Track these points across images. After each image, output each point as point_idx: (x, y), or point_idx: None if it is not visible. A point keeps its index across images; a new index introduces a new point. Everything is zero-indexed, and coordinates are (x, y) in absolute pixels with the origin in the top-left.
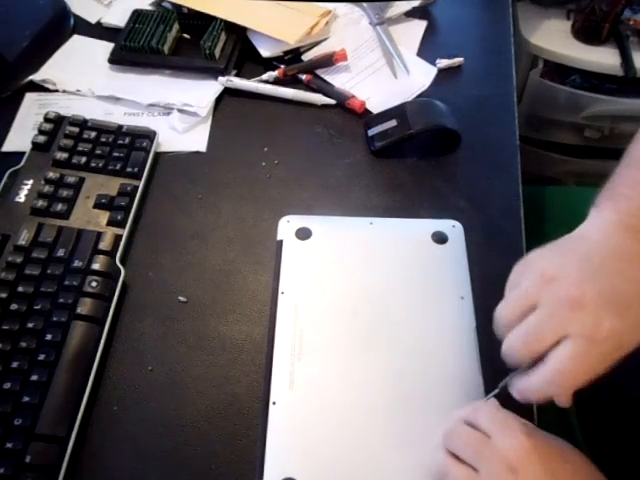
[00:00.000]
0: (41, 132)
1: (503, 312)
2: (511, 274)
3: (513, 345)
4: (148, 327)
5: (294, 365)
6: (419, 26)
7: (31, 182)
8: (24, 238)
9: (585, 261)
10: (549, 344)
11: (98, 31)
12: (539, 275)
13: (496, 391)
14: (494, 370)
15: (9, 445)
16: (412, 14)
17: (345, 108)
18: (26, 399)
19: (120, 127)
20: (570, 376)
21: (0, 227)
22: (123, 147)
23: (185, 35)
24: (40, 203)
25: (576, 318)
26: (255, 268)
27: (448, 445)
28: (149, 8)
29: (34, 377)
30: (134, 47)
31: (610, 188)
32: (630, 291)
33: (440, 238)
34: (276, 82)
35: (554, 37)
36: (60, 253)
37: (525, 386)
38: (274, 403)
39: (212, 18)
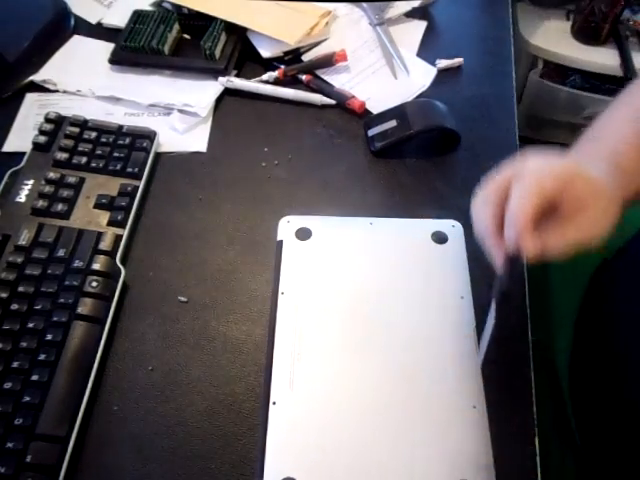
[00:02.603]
0: (42, 132)
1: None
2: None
3: (484, 192)
4: (148, 327)
5: (294, 365)
6: (419, 26)
7: (32, 182)
8: (25, 238)
9: (551, 158)
10: (509, 182)
11: (98, 31)
12: (508, 168)
13: (495, 295)
14: (494, 370)
15: (10, 445)
16: (412, 14)
17: (345, 108)
18: (27, 399)
19: (120, 127)
20: (531, 175)
21: (1, 227)
22: (123, 147)
23: (185, 35)
24: (40, 203)
25: (531, 160)
26: (255, 268)
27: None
28: (149, 8)
29: (35, 377)
30: (134, 47)
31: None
32: (592, 168)
33: (440, 238)
34: (276, 82)
35: (554, 37)
36: (60, 253)
37: (508, 211)
38: (274, 403)
39: (212, 18)
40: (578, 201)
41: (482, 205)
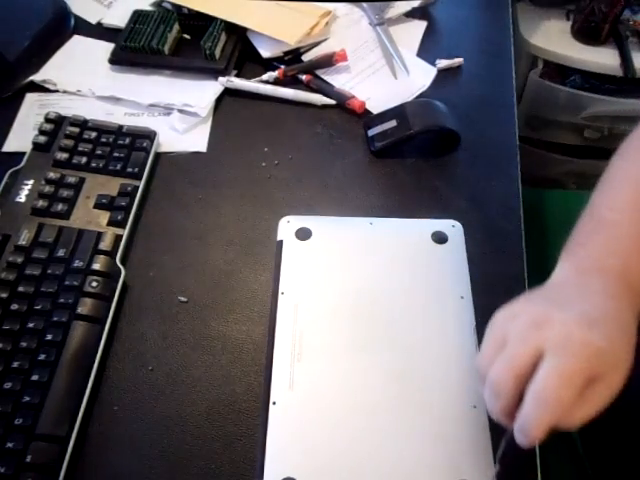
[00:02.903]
0: (42, 132)
1: (479, 361)
2: (485, 334)
3: (493, 379)
4: (148, 327)
5: (294, 365)
6: (419, 26)
7: (31, 182)
8: (25, 238)
9: (546, 298)
10: (527, 366)
11: (98, 31)
12: (504, 316)
13: (501, 450)
14: None
15: (10, 445)
16: (412, 14)
17: (345, 108)
18: (27, 399)
19: (120, 127)
20: (557, 388)
21: (1, 227)
22: (123, 147)
23: (185, 35)
24: (40, 203)
25: (546, 335)
26: (255, 268)
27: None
28: (149, 8)
29: (35, 377)
30: (134, 47)
31: (570, 240)
32: (596, 314)
33: (440, 238)
34: (276, 82)
35: (554, 37)
36: (60, 253)
37: (522, 421)
38: (274, 403)
39: (212, 18)
40: (601, 374)
41: (497, 389)
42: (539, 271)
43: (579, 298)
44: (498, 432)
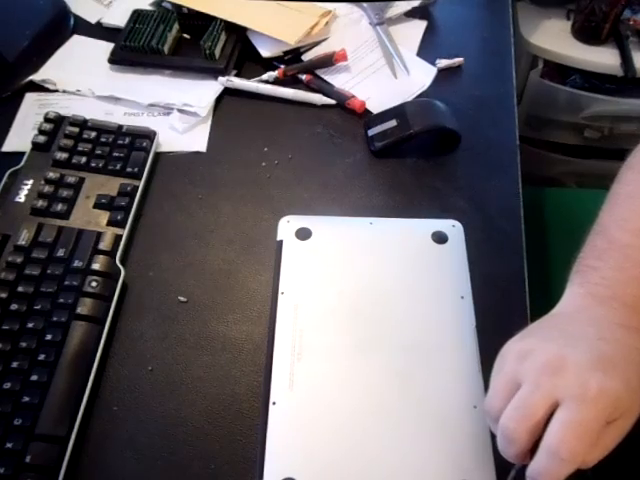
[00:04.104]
0: (41, 132)
1: (490, 402)
2: (494, 365)
3: (507, 426)
4: (148, 327)
5: (294, 365)
6: (419, 26)
7: (31, 182)
8: (24, 238)
9: (560, 332)
10: (542, 416)
11: (98, 31)
12: (514, 355)
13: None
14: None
15: (9, 445)
16: (412, 14)
17: (345, 108)
18: (26, 399)
19: (120, 127)
20: (573, 443)
21: (0, 227)
22: (123, 147)
23: (185, 35)
24: (40, 203)
25: (561, 383)
26: (255, 268)
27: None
28: (149, 8)
29: (34, 377)
30: (134, 47)
31: (580, 260)
32: (611, 351)
33: (440, 238)
34: (276, 82)
35: (554, 37)
36: (60, 253)
37: (536, 472)
38: (274, 403)
39: (212, 18)
40: (616, 418)
41: (511, 437)
42: (539, 271)
43: (593, 332)
44: None
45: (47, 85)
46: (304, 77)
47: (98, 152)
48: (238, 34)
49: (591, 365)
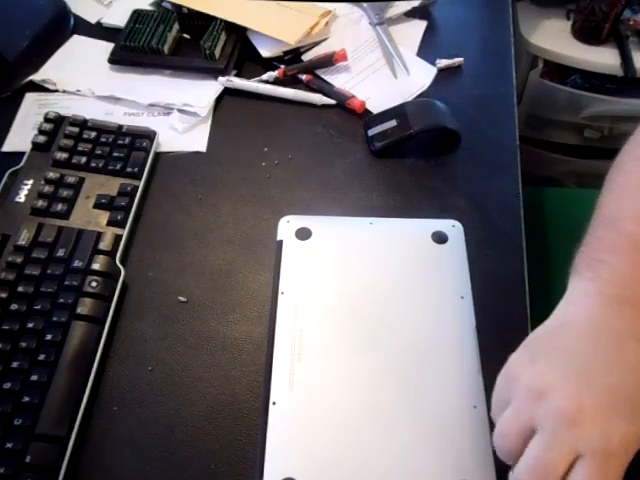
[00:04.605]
0: (41, 132)
1: (502, 442)
2: (496, 386)
3: (527, 478)
4: (148, 327)
5: (294, 365)
6: (419, 26)
7: (31, 182)
8: (24, 238)
9: (573, 362)
10: (562, 472)
11: (98, 31)
12: (527, 390)
13: None
14: (494, 370)
15: (9, 445)
16: (412, 14)
17: (345, 108)
18: (26, 399)
19: (120, 127)
20: None
21: (0, 227)
22: (123, 147)
23: (185, 35)
24: (40, 203)
25: (582, 435)
26: (255, 268)
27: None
28: (149, 8)
29: (34, 377)
30: (134, 47)
31: (587, 252)
32: (631, 383)
33: (440, 238)
34: (276, 82)
35: (554, 37)
36: (60, 253)
37: None
38: (274, 403)
39: (212, 18)
40: None
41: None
42: (539, 271)
43: (608, 354)
44: None
45: (47, 85)
46: (304, 77)
47: (98, 152)
48: (238, 34)
49: (611, 410)
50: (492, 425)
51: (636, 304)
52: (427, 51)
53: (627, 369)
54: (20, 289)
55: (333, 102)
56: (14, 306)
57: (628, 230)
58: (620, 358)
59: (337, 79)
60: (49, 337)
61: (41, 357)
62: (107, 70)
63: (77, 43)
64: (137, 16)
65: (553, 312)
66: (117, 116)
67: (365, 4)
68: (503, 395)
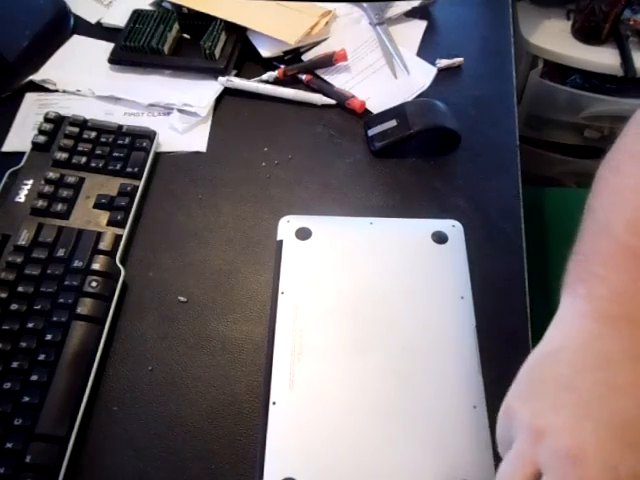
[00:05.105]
0: (41, 132)
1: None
2: (497, 427)
3: None
4: (148, 327)
5: (294, 365)
6: (419, 26)
7: (31, 182)
8: (24, 238)
9: (570, 394)
10: None
11: (98, 31)
12: (527, 431)
13: None
14: (494, 370)
15: (9, 445)
16: (412, 14)
17: (345, 108)
18: (26, 399)
19: (120, 127)
20: None
21: (0, 227)
22: (123, 147)
23: (185, 35)
24: (40, 203)
25: (586, 473)
26: (255, 268)
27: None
28: (149, 8)
29: (34, 377)
30: (134, 47)
31: (580, 262)
32: (634, 410)
33: (440, 238)
34: (276, 82)
35: (554, 37)
36: (60, 253)
37: None
38: (274, 403)
39: (212, 18)
40: None
41: None
42: (539, 271)
43: (607, 378)
44: None
45: (47, 85)
46: (304, 77)
47: (98, 152)
48: (238, 34)
49: (614, 440)
50: (492, 425)
51: (632, 320)
52: (427, 51)
53: (626, 392)
54: (20, 289)
55: (333, 102)
56: (14, 306)
57: (624, 241)
58: (618, 382)
59: (337, 79)
60: (49, 337)
61: (41, 357)
62: (107, 70)
63: (77, 43)
64: (137, 16)
65: (545, 334)
66: (117, 116)
67: (365, 4)
68: (505, 434)
